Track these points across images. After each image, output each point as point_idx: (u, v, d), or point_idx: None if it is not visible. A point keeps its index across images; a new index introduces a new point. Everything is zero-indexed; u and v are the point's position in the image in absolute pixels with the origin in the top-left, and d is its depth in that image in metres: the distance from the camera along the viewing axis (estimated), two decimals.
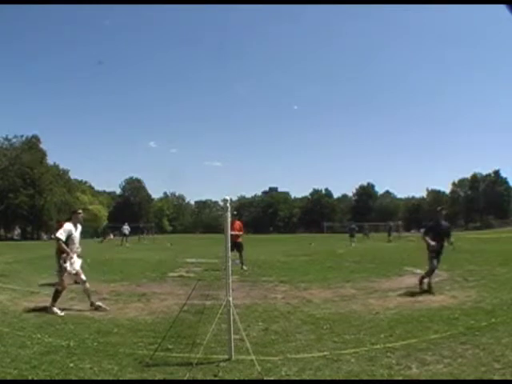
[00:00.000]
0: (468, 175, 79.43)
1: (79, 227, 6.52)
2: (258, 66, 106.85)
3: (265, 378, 3.51)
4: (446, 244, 7.60)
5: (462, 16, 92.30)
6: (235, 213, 11.43)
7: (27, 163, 49.18)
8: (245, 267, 11.11)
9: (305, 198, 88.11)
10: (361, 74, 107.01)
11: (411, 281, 8.84)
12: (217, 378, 3.57)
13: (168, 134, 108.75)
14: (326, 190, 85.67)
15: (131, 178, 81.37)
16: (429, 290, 7.30)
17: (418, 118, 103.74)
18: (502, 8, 1.78)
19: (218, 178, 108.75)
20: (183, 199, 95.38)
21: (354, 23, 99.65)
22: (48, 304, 6.10)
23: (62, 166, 60.11)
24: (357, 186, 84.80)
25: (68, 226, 6.32)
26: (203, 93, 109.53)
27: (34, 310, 6.14)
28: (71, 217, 6.57)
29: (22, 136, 52.77)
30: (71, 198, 55.96)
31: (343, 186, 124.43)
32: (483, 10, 70.87)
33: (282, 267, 11.85)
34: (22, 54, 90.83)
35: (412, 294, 7.25)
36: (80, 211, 6.74)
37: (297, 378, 3.54)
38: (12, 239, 49.43)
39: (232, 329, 4.04)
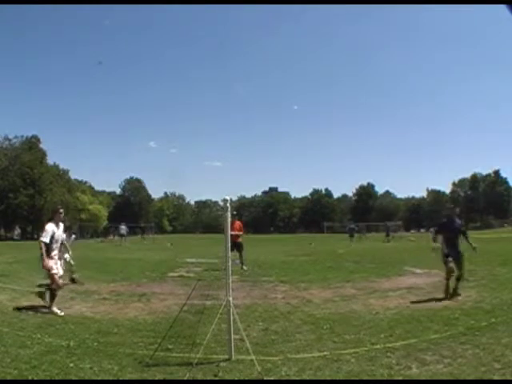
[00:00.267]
0: (468, 175, 79.56)
1: (61, 225, 6.56)
2: (257, 66, 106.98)
3: (265, 378, 3.51)
4: (460, 242, 7.13)
5: (463, 16, 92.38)
6: (235, 213, 11.42)
7: (27, 163, 49.14)
8: (245, 267, 11.11)
9: (305, 197, 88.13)
10: (361, 74, 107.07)
11: (411, 281, 8.85)
12: (217, 378, 3.57)
13: (168, 134, 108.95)
14: (326, 189, 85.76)
15: (131, 178, 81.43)
16: (453, 293, 6.79)
17: (417, 118, 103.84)
18: (501, 8, 1.78)
19: (218, 178, 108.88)
20: (183, 199, 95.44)
21: (354, 23, 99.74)
22: (47, 305, 6.11)
23: (61, 166, 60.12)
24: (357, 186, 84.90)
25: (50, 226, 6.30)
26: (203, 93, 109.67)
27: (34, 309, 6.13)
28: (53, 216, 6.59)
29: (22, 136, 52.84)
30: (71, 198, 55.91)
31: (343, 186, 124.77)
32: (483, 10, 70.89)
33: (282, 267, 11.85)
34: (22, 54, 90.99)
35: (412, 294, 7.25)
36: (61, 210, 6.74)
37: (297, 378, 3.54)
38: (12, 239, 49.37)
39: (232, 329, 4.04)
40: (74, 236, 9.12)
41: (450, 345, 4.30)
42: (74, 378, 3.53)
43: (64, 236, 6.75)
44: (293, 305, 6.55)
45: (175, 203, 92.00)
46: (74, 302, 6.81)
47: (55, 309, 6.04)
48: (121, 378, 3.55)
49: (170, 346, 4.36)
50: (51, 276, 6.16)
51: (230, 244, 4.28)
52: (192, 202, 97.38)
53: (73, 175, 63.80)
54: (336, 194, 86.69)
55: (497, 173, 75.83)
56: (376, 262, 13.12)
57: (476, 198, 75.26)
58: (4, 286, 8.04)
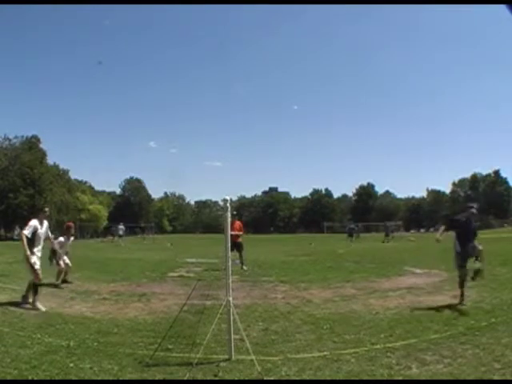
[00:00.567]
0: (468, 175, 79.49)
1: (45, 224, 6.60)
2: (258, 66, 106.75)
3: (265, 378, 3.51)
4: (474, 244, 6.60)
5: (463, 16, 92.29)
6: (235, 213, 11.44)
7: (27, 163, 49.12)
8: (245, 267, 11.11)
9: (305, 197, 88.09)
10: (361, 74, 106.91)
11: (411, 281, 8.85)
12: (217, 378, 3.57)
13: (168, 134, 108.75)
14: (326, 190, 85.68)
15: (131, 178, 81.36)
16: (461, 299, 6.36)
17: (418, 118, 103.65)
18: (502, 8, 1.78)
19: (218, 178, 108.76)
20: (183, 199, 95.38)
21: (354, 23, 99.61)
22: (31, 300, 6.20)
23: (62, 166, 60.09)
24: (357, 186, 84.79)
25: (33, 222, 6.35)
26: (203, 93, 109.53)
27: (34, 309, 6.13)
28: (37, 214, 6.63)
29: (22, 136, 52.83)
30: (71, 198, 55.92)
31: (343, 186, 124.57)
32: (483, 9, 70.84)
33: (282, 267, 11.85)
34: (22, 54, 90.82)
35: (412, 294, 7.25)
36: (46, 209, 6.83)
37: (297, 378, 3.54)
38: (12, 239, 49.35)
39: (232, 329, 4.04)
40: (61, 239, 9.11)
41: (449, 345, 4.30)
42: (74, 377, 3.53)
43: (49, 234, 6.86)
44: (293, 305, 6.55)
45: (175, 203, 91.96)
46: (73, 302, 6.81)
47: (38, 303, 6.13)
48: (121, 378, 3.55)
49: (170, 346, 4.36)
50: (34, 271, 6.22)
51: (230, 244, 4.29)
52: (192, 202, 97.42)
53: (73, 175, 63.80)
54: (336, 194, 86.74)
55: (497, 173, 75.79)
56: (376, 262, 13.12)
57: (476, 198, 75.17)
58: (4, 286, 8.04)
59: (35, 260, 6.24)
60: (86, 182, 72.18)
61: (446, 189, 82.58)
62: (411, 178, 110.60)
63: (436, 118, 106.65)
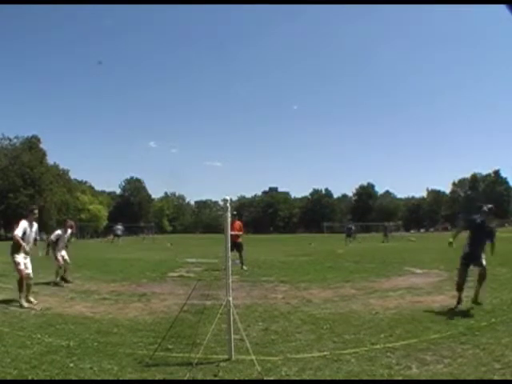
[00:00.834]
0: (468, 175, 79.61)
1: (35, 225, 6.68)
2: (258, 66, 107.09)
3: (265, 378, 3.51)
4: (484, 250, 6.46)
5: (463, 16, 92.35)
6: (235, 213, 11.41)
7: (27, 163, 49.16)
8: (245, 267, 11.10)
9: (305, 197, 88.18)
10: (361, 74, 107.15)
11: (411, 281, 8.85)
12: (217, 378, 3.57)
13: (168, 134, 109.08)
14: (326, 190, 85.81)
15: (131, 178, 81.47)
16: (456, 303, 6.13)
17: (418, 118, 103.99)
18: (502, 8, 1.78)
19: (218, 178, 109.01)
20: (183, 199, 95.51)
21: (354, 23, 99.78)
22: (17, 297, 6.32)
23: (62, 166, 60.21)
24: (357, 186, 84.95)
25: (23, 223, 6.46)
26: (203, 93, 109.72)
27: (35, 310, 6.14)
28: (27, 215, 6.65)
29: (22, 136, 52.85)
30: (71, 198, 56.00)
31: (343, 186, 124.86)
32: (483, 9, 70.87)
33: (282, 267, 11.84)
34: (22, 54, 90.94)
35: (412, 294, 7.25)
36: (36, 211, 6.84)
37: (297, 378, 3.54)
38: (12, 239, 49.39)
39: (232, 329, 4.04)
40: (59, 231, 9.14)
41: (449, 345, 4.30)
42: (74, 377, 3.53)
43: (37, 236, 6.95)
44: (293, 305, 6.55)
45: (175, 203, 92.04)
46: (73, 302, 6.81)
47: (23, 300, 6.25)
48: (121, 378, 3.55)
49: (170, 346, 4.36)
50: (18, 270, 6.39)
51: (230, 244, 4.29)
52: (192, 202, 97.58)
53: (73, 175, 63.98)
54: (336, 194, 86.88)
55: (497, 173, 75.92)
56: (376, 262, 13.11)
57: (476, 198, 75.19)
58: (4, 286, 8.03)
59: (20, 261, 6.37)
60: (86, 182, 72.34)
61: (446, 189, 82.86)
62: (411, 178, 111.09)
63: (436, 118, 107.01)
